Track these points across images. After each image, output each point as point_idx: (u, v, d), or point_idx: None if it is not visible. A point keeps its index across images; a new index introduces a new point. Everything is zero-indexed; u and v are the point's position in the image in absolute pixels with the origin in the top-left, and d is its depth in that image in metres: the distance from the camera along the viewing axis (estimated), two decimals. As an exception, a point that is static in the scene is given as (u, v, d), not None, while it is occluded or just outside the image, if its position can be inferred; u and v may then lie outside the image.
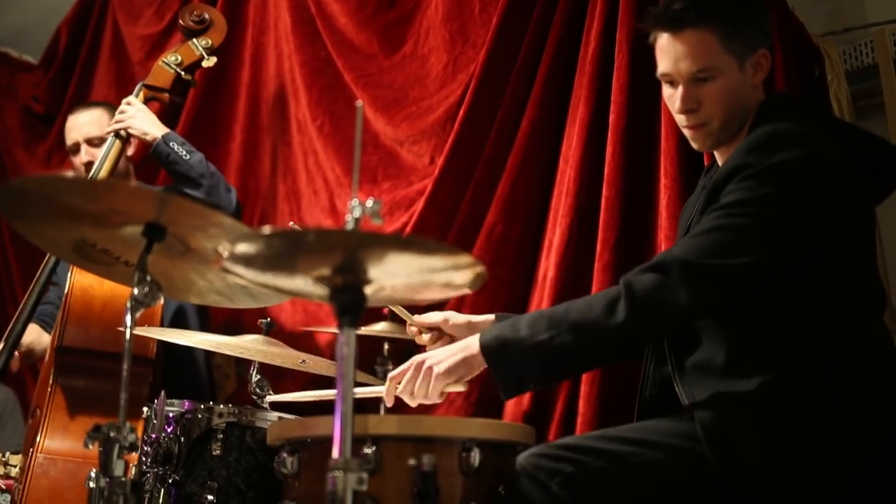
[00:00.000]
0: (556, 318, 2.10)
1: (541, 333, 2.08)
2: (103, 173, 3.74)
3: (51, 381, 3.29)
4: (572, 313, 2.10)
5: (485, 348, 2.13)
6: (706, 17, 2.21)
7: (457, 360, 2.16)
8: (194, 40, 4.01)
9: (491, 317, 2.51)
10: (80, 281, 3.30)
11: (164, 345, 3.36)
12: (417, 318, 2.48)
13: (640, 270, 2.10)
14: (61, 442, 3.16)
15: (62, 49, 5.16)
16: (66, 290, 3.31)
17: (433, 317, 2.48)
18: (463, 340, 2.20)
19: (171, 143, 3.74)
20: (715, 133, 2.27)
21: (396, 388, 2.21)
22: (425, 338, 2.48)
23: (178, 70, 3.96)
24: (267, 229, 1.56)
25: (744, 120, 2.26)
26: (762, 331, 2.07)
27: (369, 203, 1.59)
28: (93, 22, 5.07)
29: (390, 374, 2.25)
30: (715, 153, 2.37)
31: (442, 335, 2.47)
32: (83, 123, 3.98)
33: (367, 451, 1.92)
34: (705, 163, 2.86)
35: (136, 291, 1.89)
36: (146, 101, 3.92)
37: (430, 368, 2.16)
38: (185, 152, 3.73)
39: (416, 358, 2.21)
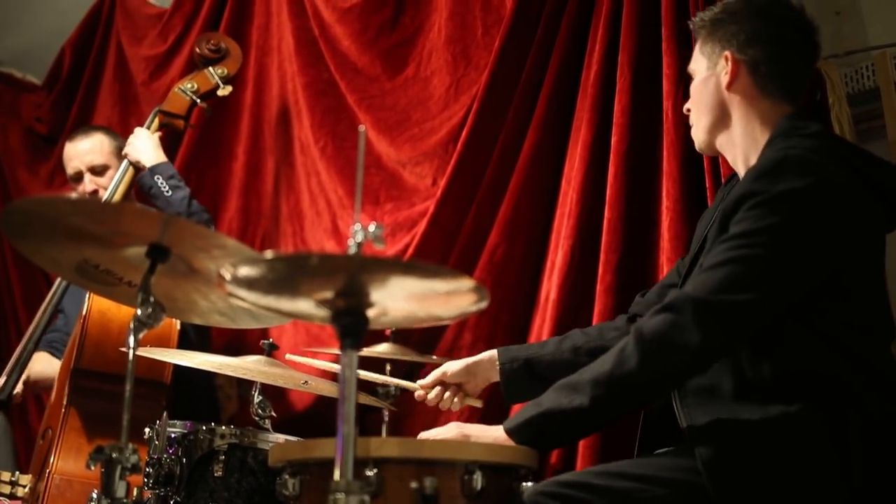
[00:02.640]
0: (572, 383, 2.10)
1: (561, 400, 2.09)
2: (116, 198, 3.76)
3: (64, 403, 3.28)
4: (586, 373, 2.10)
5: (509, 431, 2.14)
6: (698, 25, 2.40)
7: (478, 436, 2.19)
8: (210, 69, 4.04)
9: (491, 353, 2.54)
10: (97, 304, 3.30)
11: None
12: (420, 382, 2.55)
13: (651, 313, 2.09)
14: (75, 463, 3.15)
15: (66, 70, 5.17)
16: (83, 313, 3.30)
17: (433, 375, 2.54)
18: (494, 428, 2.20)
19: (155, 177, 3.75)
20: (695, 133, 2.41)
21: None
22: (432, 395, 2.53)
23: (194, 97, 3.98)
24: (269, 254, 1.56)
25: (720, 122, 2.32)
26: (768, 361, 2.04)
27: (372, 227, 1.60)
28: (97, 43, 5.09)
29: (428, 433, 2.28)
30: (730, 162, 2.40)
31: (447, 387, 2.53)
32: (84, 151, 3.98)
33: (369, 473, 1.91)
34: (707, 184, 2.87)
35: (139, 312, 1.89)
36: (161, 127, 3.94)
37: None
38: (168, 188, 3.73)
39: (457, 426, 2.26)
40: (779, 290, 2.03)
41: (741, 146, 2.29)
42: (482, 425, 2.24)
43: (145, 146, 3.83)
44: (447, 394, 2.52)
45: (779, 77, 2.29)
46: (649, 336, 2.04)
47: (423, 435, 2.27)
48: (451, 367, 2.53)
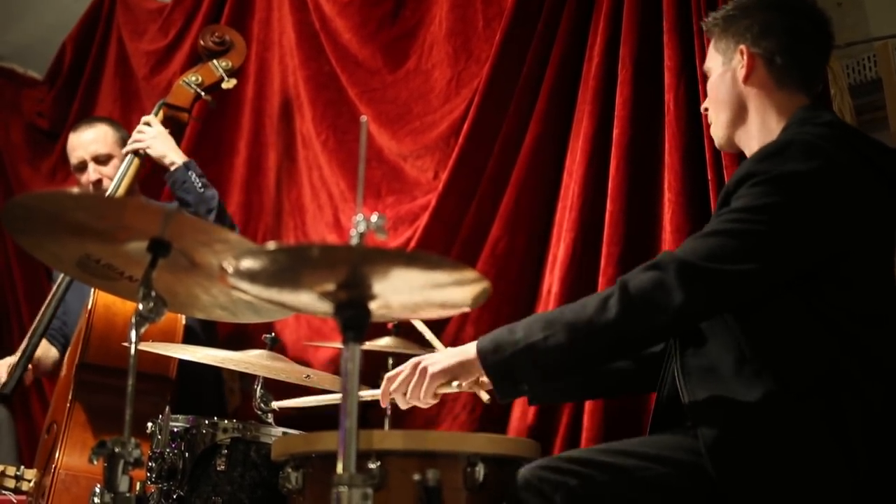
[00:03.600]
0: (550, 320, 2.11)
1: (535, 334, 2.08)
2: (121, 192, 3.75)
3: (69, 398, 3.27)
4: (567, 313, 2.10)
5: (481, 351, 2.14)
6: (711, 24, 2.40)
7: (453, 363, 2.18)
8: (214, 61, 4.04)
9: None
10: (103, 298, 3.29)
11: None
12: None
13: (639, 269, 2.09)
14: (81, 459, 3.14)
15: (67, 65, 5.17)
16: (88, 307, 3.30)
17: None
18: (463, 346, 2.21)
19: (190, 172, 3.76)
20: (714, 130, 2.41)
21: (391, 388, 2.24)
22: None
23: (199, 90, 3.98)
24: (272, 245, 1.56)
25: (737, 116, 2.33)
26: (768, 341, 2.05)
27: (374, 218, 1.59)
28: (98, 38, 5.08)
29: (387, 375, 2.26)
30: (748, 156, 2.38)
31: None
32: (89, 141, 3.98)
33: (372, 466, 1.92)
34: (709, 176, 2.87)
35: (140, 307, 1.89)
36: (165, 120, 3.94)
37: (426, 369, 2.20)
38: (200, 184, 3.74)
39: (414, 359, 2.25)
40: (770, 267, 2.02)
41: (757, 138, 2.29)
42: (442, 351, 2.25)
43: (168, 144, 3.84)
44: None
45: (794, 68, 2.29)
46: (634, 291, 2.04)
47: (387, 376, 2.27)
48: None
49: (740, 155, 2.50)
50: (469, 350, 2.17)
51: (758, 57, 2.29)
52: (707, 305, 2.05)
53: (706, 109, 2.44)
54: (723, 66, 2.35)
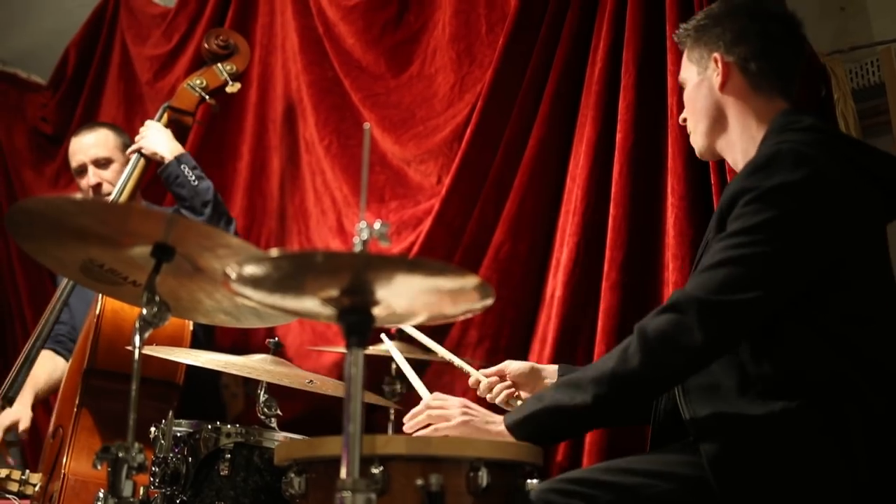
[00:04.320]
0: (574, 380, 2.11)
1: (563, 397, 2.09)
2: (125, 195, 3.76)
3: (76, 402, 3.26)
4: (590, 371, 2.10)
5: (510, 425, 2.16)
6: (683, 35, 2.42)
7: (481, 429, 2.20)
8: (219, 65, 4.05)
9: (553, 367, 2.56)
10: (111, 304, 3.28)
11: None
12: (483, 371, 2.55)
13: (654, 313, 2.08)
14: (88, 464, 3.12)
15: (70, 70, 5.18)
16: (96, 313, 3.28)
17: (496, 367, 2.54)
18: (497, 420, 2.22)
19: (182, 166, 3.75)
20: (694, 139, 2.41)
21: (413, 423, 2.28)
22: (485, 384, 2.53)
23: (203, 93, 3.98)
24: (275, 251, 1.56)
25: (717, 124, 2.33)
26: (768, 358, 2.04)
27: (377, 225, 1.60)
28: (101, 43, 5.09)
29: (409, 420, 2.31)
30: (730, 164, 2.39)
31: (503, 381, 2.53)
32: (89, 145, 3.98)
33: (375, 471, 1.91)
34: (712, 181, 2.87)
35: (144, 311, 1.90)
36: (169, 123, 3.94)
37: (447, 418, 2.23)
38: (194, 177, 3.74)
39: (462, 402, 2.28)
40: (780, 286, 2.01)
41: (739, 145, 2.29)
42: (487, 413, 2.25)
43: (161, 138, 3.85)
44: (498, 387, 2.51)
45: (769, 72, 2.30)
46: (652, 335, 2.03)
47: (433, 397, 2.30)
48: (516, 363, 2.54)
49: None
50: (494, 427, 2.19)
51: (732, 64, 2.30)
52: (728, 338, 2.03)
53: (684, 120, 2.44)
54: (698, 76, 2.36)
